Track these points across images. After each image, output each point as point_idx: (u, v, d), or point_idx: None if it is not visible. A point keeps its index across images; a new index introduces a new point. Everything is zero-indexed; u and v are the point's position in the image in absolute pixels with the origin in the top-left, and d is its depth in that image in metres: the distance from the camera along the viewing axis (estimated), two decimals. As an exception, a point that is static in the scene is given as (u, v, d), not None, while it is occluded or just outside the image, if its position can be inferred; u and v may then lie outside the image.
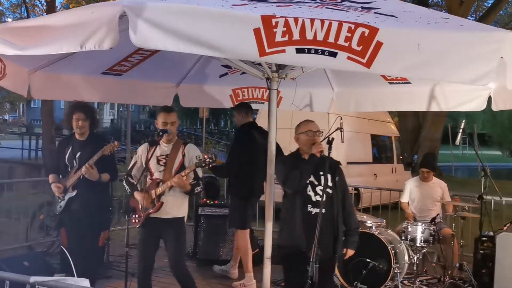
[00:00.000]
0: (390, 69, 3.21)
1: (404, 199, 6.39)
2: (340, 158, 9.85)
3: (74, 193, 4.72)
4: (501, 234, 5.42)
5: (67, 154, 4.79)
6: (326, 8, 3.25)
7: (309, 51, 2.87)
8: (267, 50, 2.85)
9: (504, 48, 2.84)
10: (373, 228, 5.57)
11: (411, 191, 6.32)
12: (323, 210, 3.65)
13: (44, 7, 16.65)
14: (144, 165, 4.35)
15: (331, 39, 2.83)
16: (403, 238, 5.66)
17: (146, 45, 2.86)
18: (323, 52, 2.86)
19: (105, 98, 8.04)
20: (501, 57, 2.84)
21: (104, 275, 5.57)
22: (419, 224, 5.66)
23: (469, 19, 16.10)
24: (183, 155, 4.30)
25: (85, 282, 2.60)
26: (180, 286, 4.41)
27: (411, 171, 12.32)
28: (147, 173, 4.35)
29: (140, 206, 4.29)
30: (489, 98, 4.79)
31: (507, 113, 31.68)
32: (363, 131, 10.89)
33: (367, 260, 5.22)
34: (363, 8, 3.37)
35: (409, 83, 5.26)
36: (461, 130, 6.57)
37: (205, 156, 4.14)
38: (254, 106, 6.15)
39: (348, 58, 2.87)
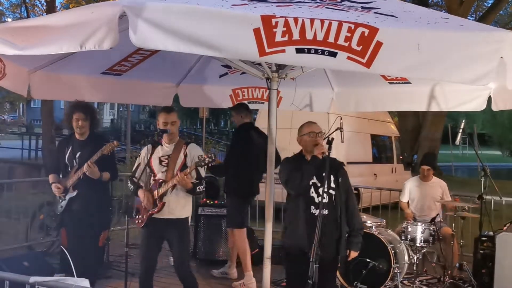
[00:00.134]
0: (390, 69, 3.21)
1: (404, 198, 6.39)
2: (340, 158, 9.87)
3: (74, 193, 4.72)
4: (501, 234, 5.42)
5: (67, 154, 4.79)
6: (326, 8, 3.25)
7: (309, 51, 2.86)
8: (267, 50, 2.85)
9: (504, 48, 2.84)
10: (373, 228, 5.57)
11: (411, 191, 6.32)
12: (326, 212, 3.66)
13: (44, 7, 16.65)
14: (147, 166, 4.35)
15: (331, 39, 2.83)
16: (403, 238, 5.66)
17: (146, 45, 2.86)
18: (323, 52, 2.86)
19: (105, 98, 8.04)
20: (501, 57, 2.84)
21: (104, 275, 5.57)
22: (419, 224, 5.66)
23: (469, 19, 16.10)
24: (185, 155, 4.30)
25: (85, 282, 2.60)
26: (183, 286, 4.41)
27: (411, 171, 12.31)
28: (151, 174, 4.35)
29: (143, 207, 4.29)
30: (489, 98, 4.79)
31: (507, 113, 31.67)
32: (363, 131, 10.89)
33: (367, 260, 5.22)
34: (363, 8, 3.37)
35: (409, 83, 5.26)
36: (461, 130, 6.57)
37: (205, 156, 4.14)
38: (254, 106, 6.15)
39: (348, 58, 2.87)
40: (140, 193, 4.31)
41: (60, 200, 4.77)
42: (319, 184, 3.77)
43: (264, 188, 4.22)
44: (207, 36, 2.82)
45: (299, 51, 2.87)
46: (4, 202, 7.87)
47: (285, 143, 7.85)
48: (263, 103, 5.96)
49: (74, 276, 3.08)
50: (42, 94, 5.30)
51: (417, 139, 17.37)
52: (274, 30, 2.82)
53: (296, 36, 2.83)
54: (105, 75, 5.35)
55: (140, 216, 4.32)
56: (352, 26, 2.83)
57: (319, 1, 3.47)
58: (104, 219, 5.08)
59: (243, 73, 4.95)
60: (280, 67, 4.12)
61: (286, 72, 4.18)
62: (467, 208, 5.91)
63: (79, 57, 4.61)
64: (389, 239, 5.51)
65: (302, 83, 5.14)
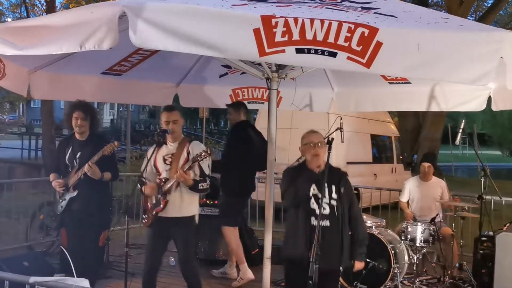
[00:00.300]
0: (390, 69, 3.21)
1: (404, 198, 6.38)
2: (340, 158, 9.90)
3: (75, 193, 4.72)
4: (501, 234, 5.42)
5: (68, 154, 4.79)
6: (326, 8, 3.25)
7: (309, 51, 2.86)
8: (267, 50, 2.85)
9: (504, 48, 2.84)
10: (373, 228, 5.57)
11: (411, 191, 6.32)
12: (328, 223, 3.62)
13: (44, 7, 16.64)
14: (152, 166, 4.35)
15: (331, 39, 2.83)
16: (403, 238, 5.66)
17: (146, 45, 2.86)
18: (323, 52, 2.86)
19: (105, 98, 8.05)
20: (501, 57, 2.84)
21: (104, 275, 5.56)
22: (419, 224, 5.66)
23: (469, 19, 16.10)
24: (188, 153, 4.29)
25: (85, 282, 2.60)
26: (187, 286, 4.40)
27: (411, 171, 12.31)
28: (157, 174, 4.35)
29: (149, 206, 4.29)
30: (489, 98, 4.79)
31: (507, 113, 31.69)
32: (363, 131, 10.89)
33: (367, 260, 5.22)
34: (363, 8, 3.37)
35: (409, 83, 5.26)
36: (461, 130, 6.57)
37: (201, 151, 4.14)
38: (254, 106, 6.15)
39: (348, 58, 2.87)
40: (146, 186, 4.29)
41: (60, 200, 4.77)
42: (320, 196, 3.67)
43: (264, 188, 4.22)
44: (207, 36, 2.82)
45: (299, 51, 2.87)
46: (4, 202, 7.87)
47: (285, 143, 7.86)
48: (263, 103, 5.96)
49: (74, 276, 3.08)
50: (42, 94, 5.30)
51: (417, 139, 17.34)
52: (274, 30, 2.82)
53: (296, 36, 2.83)
54: (105, 75, 5.35)
55: (146, 216, 4.32)
56: (352, 26, 2.83)
57: (319, 1, 3.47)
58: (104, 219, 5.08)
59: (243, 73, 4.95)
60: (280, 67, 4.12)
61: (286, 72, 4.18)
62: (467, 208, 5.91)
63: (79, 57, 4.61)
64: (389, 239, 5.51)
65: (302, 83, 5.15)
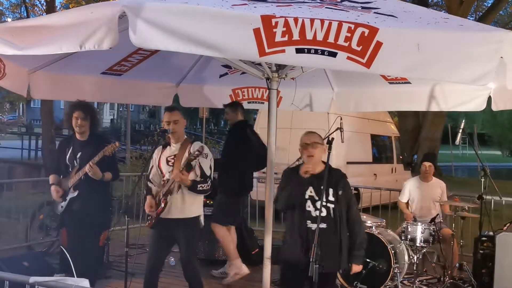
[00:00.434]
0: (390, 69, 3.21)
1: (403, 199, 6.37)
2: (339, 158, 9.90)
3: (75, 193, 4.72)
4: (501, 234, 5.42)
5: (68, 155, 4.78)
6: (326, 8, 3.25)
7: (308, 51, 2.86)
8: (267, 50, 2.85)
9: (503, 48, 2.84)
10: (373, 228, 5.57)
11: (411, 192, 6.31)
12: (324, 225, 3.59)
13: (44, 7, 16.65)
14: (157, 168, 4.36)
15: (331, 39, 2.83)
16: (403, 238, 5.66)
17: (146, 45, 2.86)
18: (322, 52, 2.85)
19: (105, 98, 8.05)
20: (501, 57, 2.84)
21: (104, 275, 5.57)
22: (419, 224, 5.66)
23: (469, 19, 16.11)
24: (189, 154, 4.29)
25: (85, 282, 2.60)
26: (188, 286, 4.40)
27: (411, 171, 12.31)
28: (161, 175, 4.35)
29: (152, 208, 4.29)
30: (489, 98, 4.79)
31: (507, 113, 31.71)
32: (363, 131, 10.89)
33: (367, 260, 5.22)
34: (363, 8, 3.37)
35: (409, 83, 5.26)
36: (461, 130, 6.57)
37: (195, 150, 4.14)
38: (254, 106, 6.15)
39: (348, 58, 2.87)
40: (148, 197, 4.32)
41: (61, 200, 4.77)
42: (316, 198, 3.65)
43: (264, 188, 4.22)
44: (207, 36, 2.82)
45: (299, 51, 2.87)
46: (4, 202, 7.87)
47: (285, 143, 7.86)
48: (263, 103, 5.96)
49: (74, 276, 3.08)
50: (42, 94, 5.30)
51: (417, 139, 17.37)
52: (274, 30, 2.82)
53: (296, 36, 2.83)
54: (105, 75, 5.35)
55: (150, 217, 4.32)
56: (352, 26, 2.83)
57: (319, 1, 3.47)
58: (105, 219, 5.08)
59: (243, 73, 4.95)
60: (280, 67, 4.12)
61: (286, 72, 4.18)
62: (467, 208, 5.90)
63: (79, 57, 4.61)
64: (389, 239, 5.51)
65: (302, 83, 5.15)
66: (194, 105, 7.40)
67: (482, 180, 6.12)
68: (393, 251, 5.36)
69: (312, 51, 2.86)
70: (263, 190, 4.27)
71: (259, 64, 4.10)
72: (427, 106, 5.35)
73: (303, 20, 2.82)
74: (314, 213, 3.65)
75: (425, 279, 5.95)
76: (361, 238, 3.80)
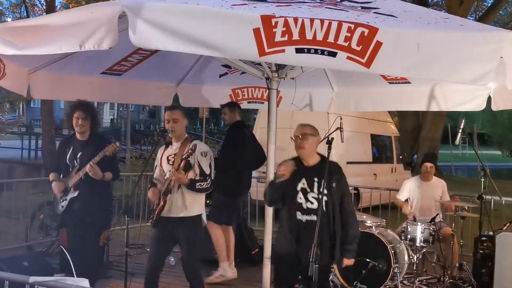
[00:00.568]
0: (390, 69, 3.22)
1: (401, 196, 6.33)
2: (339, 158, 9.87)
3: (76, 193, 4.71)
4: (501, 234, 5.42)
5: (68, 154, 4.78)
6: (325, 8, 3.26)
7: (308, 51, 2.87)
8: (267, 50, 2.85)
9: (503, 48, 2.84)
10: (373, 228, 5.57)
11: (411, 191, 6.30)
12: (314, 217, 3.56)
13: (44, 7, 16.65)
14: (159, 167, 4.37)
15: (330, 39, 2.83)
16: (402, 237, 5.66)
17: (146, 45, 2.87)
18: (322, 52, 2.86)
19: (105, 98, 8.06)
20: (501, 57, 2.85)
21: (104, 275, 5.56)
22: (419, 223, 5.66)
23: (469, 19, 16.11)
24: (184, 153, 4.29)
25: (85, 282, 2.60)
26: (189, 286, 4.40)
27: (411, 171, 12.31)
28: (163, 174, 4.36)
29: (154, 206, 4.30)
30: (489, 98, 4.79)
31: (507, 113, 31.72)
32: (363, 131, 10.89)
33: (367, 260, 5.22)
34: (362, 8, 3.38)
35: (409, 83, 5.26)
36: (461, 130, 6.57)
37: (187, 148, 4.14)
38: (254, 106, 6.16)
39: (348, 58, 2.87)
40: (149, 191, 4.32)
41: (61, 200, 4.77)
42: (308, 190, 3.63)
43: (264, 188, 4.21)
44: (207, 36, 2.82)
45: (298, 51, 2.87)
46: (4, 202, 7.87)
47: (285, 143, 7.83)
48: (263, 103, 5.96)
49: (74, 276, 3.08)
50: (42, 94, 5.31)
51: (417, 139, 17.37)
52: (274, 30, 2.82)
53: (295, 36, 2.83)
54: (105, 75, 5.35)
55: (152, 216, 4.32)
56: (352, 26, 2.83)
57: (319, 1, 3.47)
58: (105, 219, 5.08)
59: (243, 73, 4.95)
60: (280, 67, 4.13)
61: (286, 72, 4.18)
62: (467, 208, 5.90)
63: (79, 57, 4.61)
64: (389, 239, 5.51)
65: (302, 83, 5.15)
66: (194, 105, 7.41)
67: (482, 180, 6.12)
68: (393, 251, 5.35)
69: (312, 51, 2.86)
70: (263, 190, 4.27)
71: (259, 64, 4.11)
72: (427, 106, 5.35)
73: (303, 20, 2.82)
74: (305, 205, 3.63)
75: (425, 279, 5.95)
76: (354, 232, 3.74)
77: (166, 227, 4.26)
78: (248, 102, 6.05)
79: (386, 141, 12.33)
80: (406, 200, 6.33)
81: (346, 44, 2.84)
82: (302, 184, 3.66)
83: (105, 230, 5.01)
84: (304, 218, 3.62)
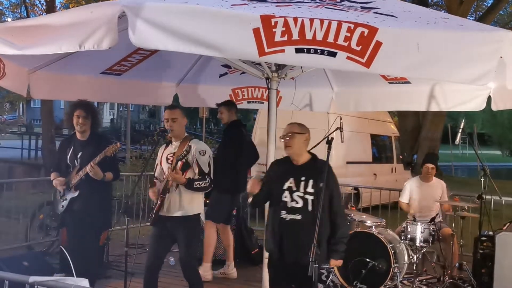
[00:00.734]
0: (390, 69, 3.22)
1: (404, 199, 6.35)
2: (339, 158, 9.83)
3: (76, 193, 4.71)
4: (501, 233, 5.42)
5: (69, 154, 4.78)
6: (325, 8, 3.26)
7: (308, 51, 2.87)
8: (267, 50, 2.85)
9: (503, 48, 2.84)
10: (373, 227, 5.57)
11: (412, 192, 6.30)
12: (299, 217, 3.53)
13: (44, 7, 16.67)
14: (160, 165, 4.38)
15: (330, 39, 2.83)
16: (402, 237, 5.66)
17: (145, 45, 2.87)
18: (322, 52, 2.86)
19: (105, 98, 8.05)
20: (501, 57, 2.85)
21: (104, 275, 5.56)
22: (419, 223, 5.66)
23: (468, 18, 16.11)
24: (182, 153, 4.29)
25: (84, 282, 2.59)
26: (188, 286, 4.40)
27: (411, 171, 12.30)
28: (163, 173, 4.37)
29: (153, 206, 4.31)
30: (489, 98, 4.79)
31: (507, 113, 31.72)
32: (362, 130, 10.89)
33: (367, 259, 5.22)
34: (362, 8, 3.38)
35: (408, 82, 5.26)
36: (460, 130, 6.56)
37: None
38: (253, 106, 6.16)
39: (348, 58, 2.87)
40: (150, 190, 4.34)
41: (61, 200, 4.77)
42: (294, 188, 3.58)
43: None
44: (206, 36, 2.83)
45: (298, 51, 2.87)
46: (4, 202, 7.87)
47: (285, 143, 7.85)
48: (262, 103, 5.96)
49: (73, 276, 3.08)
50: (42, 94, 5.31)
51: (417, 139, 17.37)
52: (274, 30, 2.82)
53: (295, 36, 2.83)
54: (105, 75, 5.35)
55: (151, 215, 4.33)
56: (352, 26, 2.83)
57: (318, 1, 3.47)
58: (105, 219, 5.08)
59: (243, 72, 4.96)
60: (279, 67, 4.13)
61: (286, 72, 4.19)
62: (466, 208, 5.90)
63: (79, 57, 4.61)
64: (389, 239, 5.51)
65: (301, 83, 5.15)
66: (194, 105, 7.41)
67: (482, 180, 6.12)
68: (392, 251, 5.35)
69: (312, 51, 2.86)
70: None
71: (259, 64, 4.11)
72: (427, 106, 5.35)
73: (302, 20, 2.82)
74: (290, 204, 3.58)
75: (425, 278, 5.95)
76: (343, 232, 3.65)
77: (164, 226, 4.26)
78: (248, 102, 6.05)
79: (386, 141, 12.34)
80: (408, 202, 6.34)
81: (346, 44, 2.84)
82: (289, 183, 3.61)
83: (105, 230, 5.01)
84: (288, 217, 3.57)
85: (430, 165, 6.18)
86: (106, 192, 5.04)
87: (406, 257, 5.59)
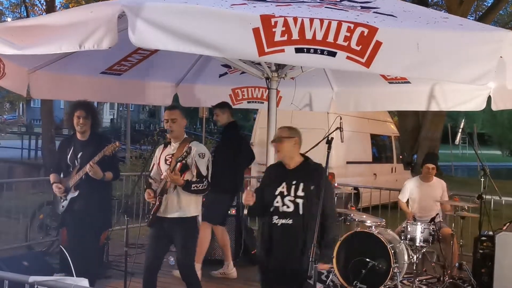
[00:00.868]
0: (390, 68, 3.22)
1: (403, 198, 6.35)
2: (339, 158, 9.83)
3: (76, 193, 4.71)
4: (501, 233, 5.42)
5: (69, 154, 4.78)
6: (325, 7, 3.26)
7: (308, 50, 2.87)
8: (266, 50, 2.85)
9: (503, 48, 2.84)
10: (373, 227, 5.57)
11: (412, 191, 6.30)
12: (291, 221, 3.51)
13: (44, 7, 16.67)
14: (157, 166, 4.37)
15: (330, 38, 2.83)
16: (402, 237, 5.66)
17: (145, 44, 2.87)
18: (322, 52, 2.86)
19: (105, 98, 8.05)
20: (501, 57, 2.85)
21: (104, 275, 5.56)
22: (419, 223, 5.66)
23: (468, 18, 16.10)
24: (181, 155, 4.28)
25: (84, 282, 2.59)
26: (186, 287, 4.40)
27: (411, 171, 12.30)
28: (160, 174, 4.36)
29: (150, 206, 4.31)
30: (489, 98, 4.79)
31: (507, 113, 31.71)
32: (362, 130, 10.89)
33: (367, 259, 5.22)
34: (362, 7, 3.38)
35: (408, 82, 5.26)
36: (460, 130, 6.55)
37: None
38: (253, 106, 6.16)
39: (348, 57, 2.87)
40: (146, 192, 4.32)
41: (62, 200, 4.77)
42: (286, 193, 3.56)
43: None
44: (206, 36, 2.83)
45: (298, 50, 2.87)
46: (4, 202, 7.87)
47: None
48: (262, 102, 5.96)
49: (73, 276, 3.08)
50: (42, 94, 5.31)
51: (417, 139, 17.37)
52: (274, 29, 2.82)
53: (295, 35, 2.83)
54: (105, 75, 5.35)
55: (148, 216, 4.32)
56: (352, 25, 2.83)
57: (318, 1, 3.47)
58: (105, 219, 5.08)
59: (243, 72, 4.96)
60: (279, 67, 4.13)
61: (286, 72, 4.19)
62: (466, 208, 5.90)
63: (79, 56, 4.61)
64: (389, 239, 5.51)
65: (301, 83, 5.15)
66: (193, 105, 7.41)
67: (482, 179, 6.12)
68: (392, 251, 5.35)
69: (312, 50, 2.86)
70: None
71: (259, 64, 4.11)
72: (427, 106, 5.35)
73: (302, 20, 2.82)
74: (281, 209, 3.55)
75: (425, 278, 5.95)
76: (332, 236, 3.61)
77: (162, 227, 4.26)
78: (248, 102, 6.05)
79: (386, 141, 12.34)
80: (407, 201, 6.34)
81: (345, 43, 2.84)
82: (282, 188, 3.58)
83: (105, 230, 5.01)
84: (279, 221, 3.55)
85: (430, 165, 6.17)
86: (106, 192, 5.03)
87: (406, 257, 5.59)
